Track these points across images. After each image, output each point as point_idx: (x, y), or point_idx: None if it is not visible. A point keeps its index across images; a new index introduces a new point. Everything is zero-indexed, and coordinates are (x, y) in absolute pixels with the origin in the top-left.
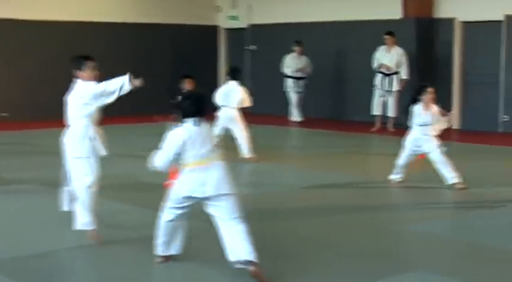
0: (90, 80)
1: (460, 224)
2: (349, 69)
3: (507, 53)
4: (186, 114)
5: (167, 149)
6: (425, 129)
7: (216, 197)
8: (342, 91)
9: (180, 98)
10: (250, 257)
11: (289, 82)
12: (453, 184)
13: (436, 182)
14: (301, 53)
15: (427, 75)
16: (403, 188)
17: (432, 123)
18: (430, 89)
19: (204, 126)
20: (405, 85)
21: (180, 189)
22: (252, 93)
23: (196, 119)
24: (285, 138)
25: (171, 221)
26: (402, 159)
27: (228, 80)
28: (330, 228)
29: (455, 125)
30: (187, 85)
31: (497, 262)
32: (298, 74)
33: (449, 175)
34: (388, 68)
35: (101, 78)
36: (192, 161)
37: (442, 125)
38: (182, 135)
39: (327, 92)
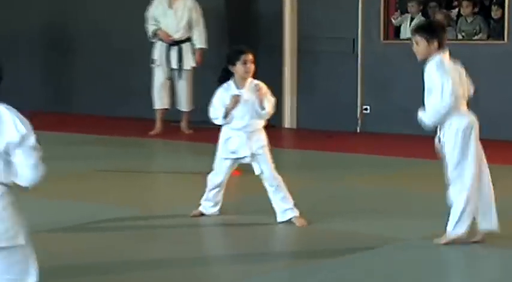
0: None
1: None
2: (97, 35)
3: (365, 9)
4: None
5: None
6: (242, 123)
7: None
8: (86, 71)
9: None
10: None
11: None
12: (289, 219)
13: (265, 213)
14: None
15: (241, 43)
16: (213, 225)
17: (256, 112)
18: (247, 57)
19: None
20: (202, 58)
21: None
22: None
23: None
24: None
25: None
26: (212, 177)
27: None
28: None
29: (288, 123)
30: None
31: None
32: None
33: (283, 205)
34: (167, 35)
35: None
36: None
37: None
38: None
39: (46, 71)
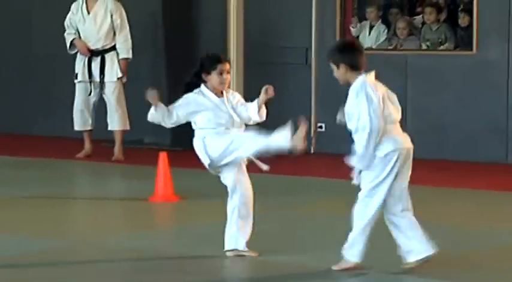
0: None
1: None
2: (13, 37)
3: (319, 15)
4: None
5: None
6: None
7: None
8: None
9: None
10: None
11: None
12: (242, 252)
13: (206, 243)
14: None
15: (180, 52)
16: (148, 259)
17: (242, 121)
18: (224, 66)
19: None
20: (126, 69)
21: None
22: None
23: None
24: None
25: None
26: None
27: None
28: None
29: None
30: None
31: None
32: None
33: (246, 232)
34: (84, 46)
35: None
36: None
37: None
38: None
39: None
